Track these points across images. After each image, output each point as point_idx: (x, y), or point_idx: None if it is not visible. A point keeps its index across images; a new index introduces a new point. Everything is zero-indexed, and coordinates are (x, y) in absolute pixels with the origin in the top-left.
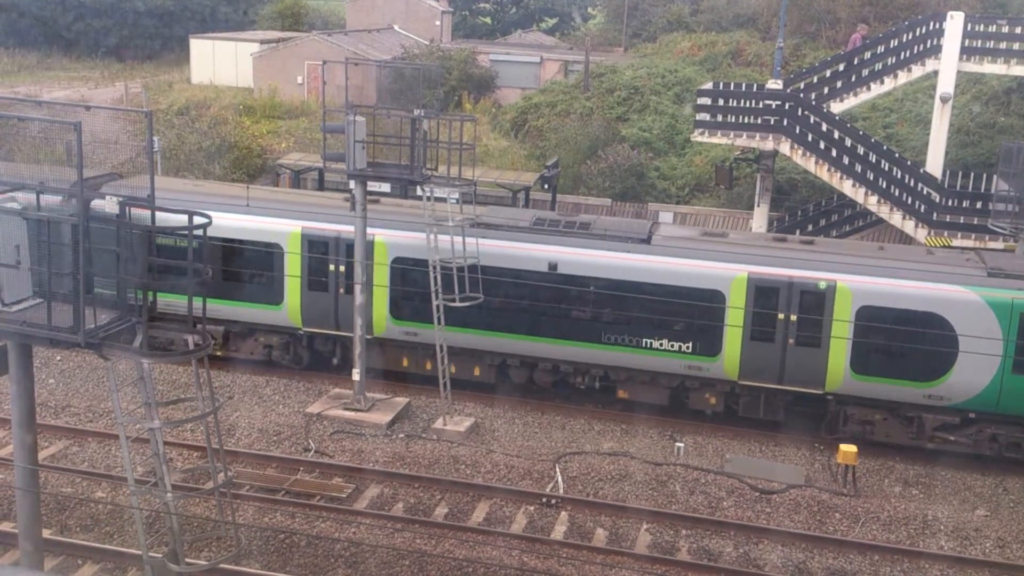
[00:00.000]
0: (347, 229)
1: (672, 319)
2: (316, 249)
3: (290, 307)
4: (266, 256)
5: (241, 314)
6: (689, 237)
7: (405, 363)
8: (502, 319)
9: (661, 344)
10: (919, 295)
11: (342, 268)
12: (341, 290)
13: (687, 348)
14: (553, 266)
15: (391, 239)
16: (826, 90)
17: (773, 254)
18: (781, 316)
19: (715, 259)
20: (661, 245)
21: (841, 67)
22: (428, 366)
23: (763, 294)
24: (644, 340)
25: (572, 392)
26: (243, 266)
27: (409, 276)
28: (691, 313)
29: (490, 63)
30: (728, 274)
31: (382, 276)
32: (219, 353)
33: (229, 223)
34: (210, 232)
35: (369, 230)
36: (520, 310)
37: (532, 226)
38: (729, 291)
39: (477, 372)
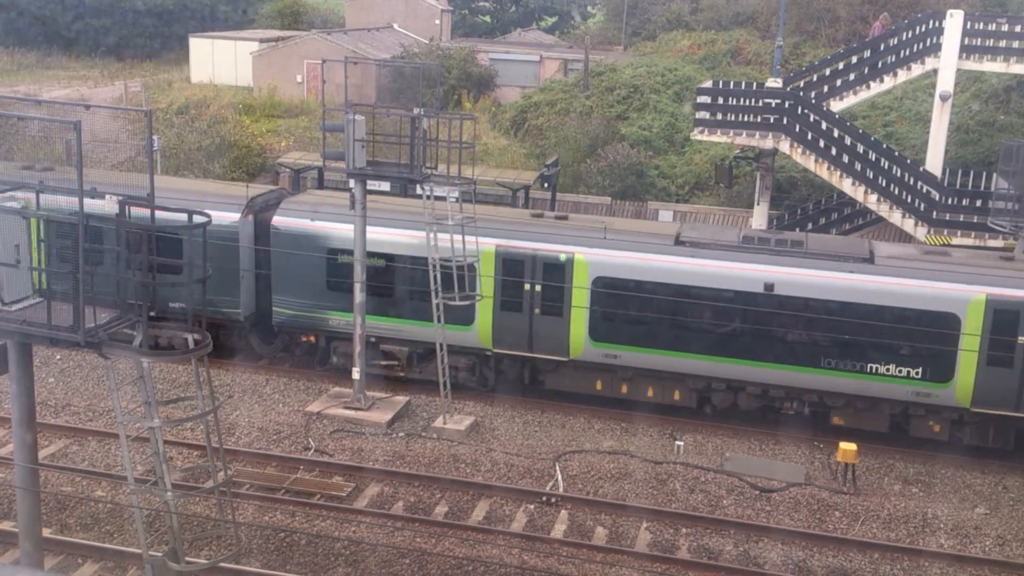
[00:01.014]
0: (544, 247)
1: (899, 343)
2: (510, 268)
3: (481, 328)
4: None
5: (428, 335)
6: (913, 256)
7: (599, 386)
8: (709, 341)
9: (887, 369)
10: None
11: (538, 288)
12: (537, 310)
13: (916, 373)
14: (769, 287)
15: (594, 257)
16: (826, 88)
17: (1008, 274)
18: (1022, 340)
19: (948, 280)
20: (886, 265)
21: (841, 65)
22: (624, 389)
23: (1003, 317)
24: (868, 364)
25: (781, 417)
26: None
27: (613, 297)
28: (921, 337)
29: (490, 62)
30: (964, 296)
31: (582, 297)
32: (401, 374)
33: (418, 241)
34: (400, 251)
35: (568, 247)
36: (729, 332)
37: (741, 244)
38: (965, 314)
39: (677, 396)
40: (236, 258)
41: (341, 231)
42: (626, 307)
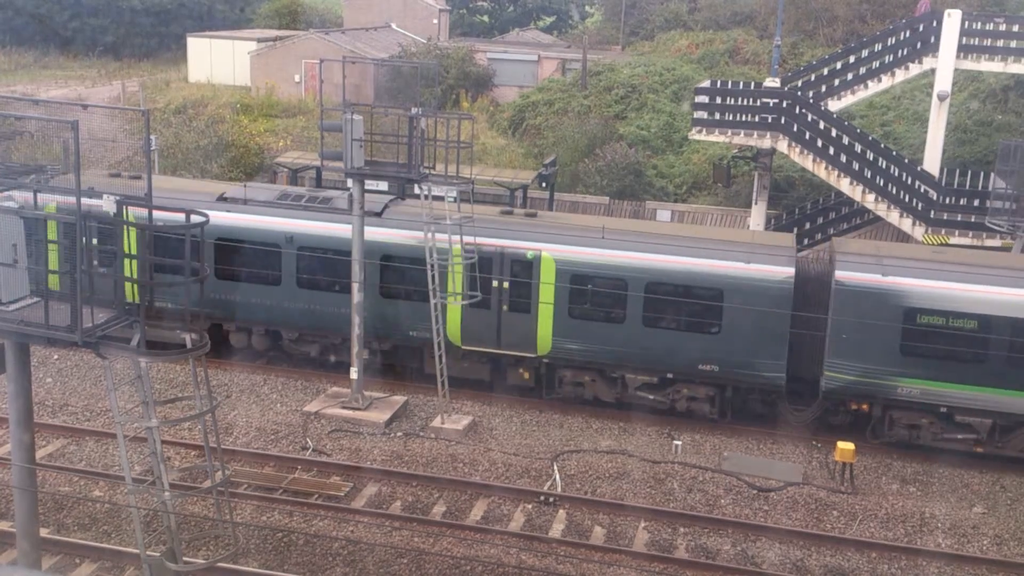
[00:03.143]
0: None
1: None
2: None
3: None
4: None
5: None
6: None
7: None
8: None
9: None
10: None
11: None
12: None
13: None
14: None
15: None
16: (824, 88)
17: None
18: None
19: None
20: None
21: (839, 65)
22: None
23: None
24: None
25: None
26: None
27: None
28: None
29: (488, 61)
30: None
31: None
32: (979, 450)
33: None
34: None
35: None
36: None
37: None
38: None
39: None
40: (784, 317)
41: (923, 288)
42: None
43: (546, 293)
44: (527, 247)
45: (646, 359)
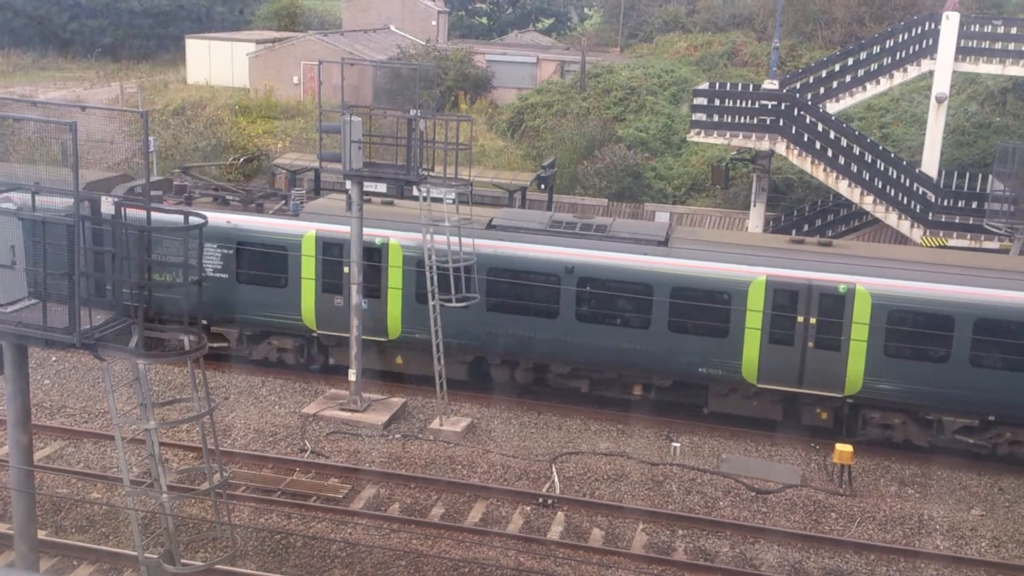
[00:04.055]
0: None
1: None
2: (781, 299)
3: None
4: (718, 309)
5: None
6: None
7: None
8: None
9: None
10: None
11: (812, 320)
12: (810, 344)
13: None
14: None
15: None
16: (822, 90)
17: None
18: None
19: None
20: None
21: (837, 67)
22: None
23: None
24: None
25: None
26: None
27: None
28: None
29: (486, 63)
30: None
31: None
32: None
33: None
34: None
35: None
36: None
37: None
38: None
39: None
40: None
41: None
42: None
43: (859, 331)
44: (838, 280)
45: (969, 401)
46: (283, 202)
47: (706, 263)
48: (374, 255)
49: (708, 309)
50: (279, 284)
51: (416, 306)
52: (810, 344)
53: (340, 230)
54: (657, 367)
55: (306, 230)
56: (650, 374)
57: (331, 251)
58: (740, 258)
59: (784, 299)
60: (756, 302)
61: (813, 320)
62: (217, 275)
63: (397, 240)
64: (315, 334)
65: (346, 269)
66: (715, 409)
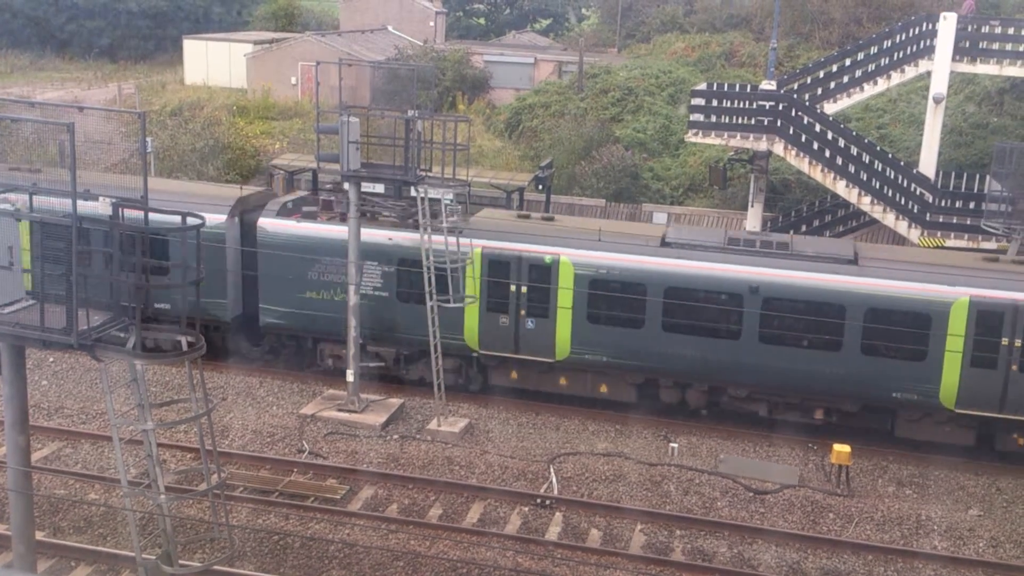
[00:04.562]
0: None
1: None
2: (985, 321)
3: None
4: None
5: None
6: None
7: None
8: None
9: None
10: None
11: (1018, 343)
12: (1014, 367)
13: None
14: None
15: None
16: (819, 91)
17: None
18: None
19: None
20: None
21: (834, 68)
22: None
23: None
24: None
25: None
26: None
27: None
28: None
29: (484, 64)
30: None
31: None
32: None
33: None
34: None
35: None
36: None
37: None
38: None
39: None
40: None
41: None
42: None
43: None
44: None
45: None
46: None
47: (903, 283)
48: (543, 273)
49: (905, 331)
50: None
51: (588, 326)
52: (1014, 367)
53: (508, 247)
54: (847, 391)
55: (472, 247)
56: (838, 398)
57: (497, 269)
58: (940, 277)
59: (988, 320)
60: (958, 324)
61: (1019, 343)
62: (376, 293)
63: (568, 258)
64: (475, 354)
65: (513, 287)
66: (903, 435)
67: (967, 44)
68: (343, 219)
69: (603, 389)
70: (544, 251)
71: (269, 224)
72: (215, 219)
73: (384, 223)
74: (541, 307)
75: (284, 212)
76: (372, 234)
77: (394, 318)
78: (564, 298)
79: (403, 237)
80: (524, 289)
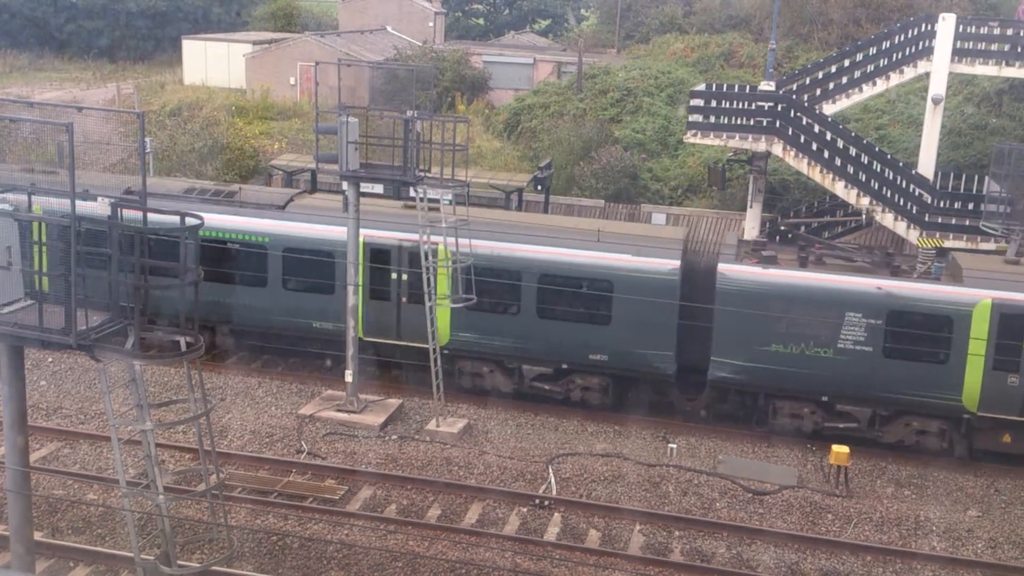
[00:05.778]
0: None
1: None
2: (1010, 324)
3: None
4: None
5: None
6: None
7: None
8: None
9: None
10: None
11: None
12: None
13: None
14: None
15: None
16: (818, 92)
17: None
18: None
19: None
20: None
21: (833, 69)
22: None
23: None
24: None
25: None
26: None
27: None
28: None
29: (483, 64)
30: None
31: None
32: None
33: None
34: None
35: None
36: None
37: None
38: None
39: None
40: None
41: None
42: None
43: None
44: None
45: None
46: (923, 265)
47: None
48: None
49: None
50: (937, 360)
51: None
52: None
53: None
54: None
55: (977, 299)
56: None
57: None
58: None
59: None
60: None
61: None
62: (858, 348)
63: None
64: (967, 415)
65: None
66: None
67: (966, 45)
68: (808, 264)
69: None
70: None
71: (730, 271)
72: (668, 264)
73: (875, 271)
74: None
75: (740, 256)
76: (855, 281)
77: (876, 375)
78: None
79: (897, 286)
80: None
